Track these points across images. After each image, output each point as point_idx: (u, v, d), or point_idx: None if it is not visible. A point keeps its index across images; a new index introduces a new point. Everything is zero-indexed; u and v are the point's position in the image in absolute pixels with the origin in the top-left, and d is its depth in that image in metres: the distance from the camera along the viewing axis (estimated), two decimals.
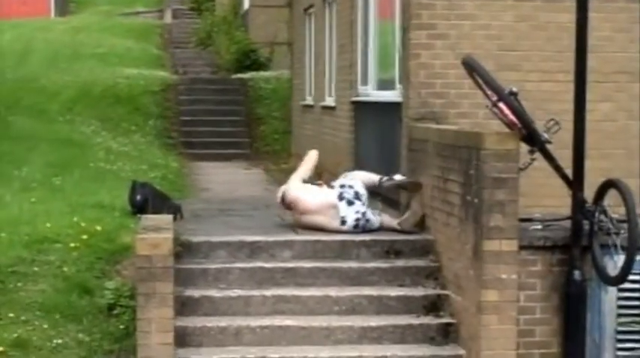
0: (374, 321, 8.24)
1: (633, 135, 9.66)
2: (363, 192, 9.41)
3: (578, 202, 8.15)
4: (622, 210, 7.73)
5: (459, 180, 8.25)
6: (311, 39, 16.50)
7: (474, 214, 7.88)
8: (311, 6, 16.29)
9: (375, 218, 9.39)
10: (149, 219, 8.90)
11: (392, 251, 8.96)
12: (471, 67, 8.27)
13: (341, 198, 9.37)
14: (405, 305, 8.42)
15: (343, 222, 9.27)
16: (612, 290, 8.21)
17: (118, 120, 19.76)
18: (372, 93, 11.68)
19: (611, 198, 7.95)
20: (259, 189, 14.85)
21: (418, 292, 8.55)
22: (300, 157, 17.35)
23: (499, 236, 7.69)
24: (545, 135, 8.07)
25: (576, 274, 8.12)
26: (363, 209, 9.31)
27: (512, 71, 9.46)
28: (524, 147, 8.03)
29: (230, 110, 21.50)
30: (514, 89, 8.07)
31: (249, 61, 25.03)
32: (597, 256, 8.01)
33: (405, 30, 9.84)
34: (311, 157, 10.08)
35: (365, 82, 11.99)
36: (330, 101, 14.36)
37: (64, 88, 21.14)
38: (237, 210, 11.12)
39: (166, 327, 7.68)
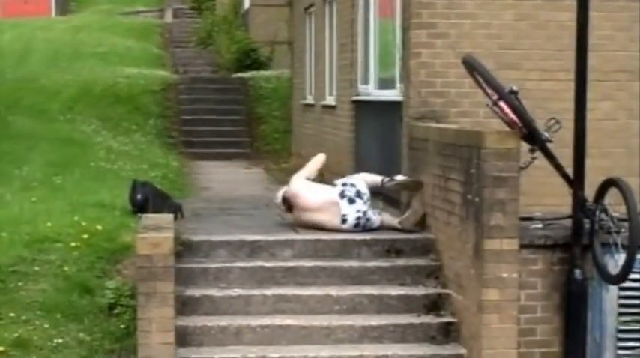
0: (375, 320, 8.23)
1: (633, 133, 9.66)
2: (365, 191, 9.40)
3: (578, 201, 8.15)
4: (623, 208, 7.73)
5: (460, 178, 8.25)
6: (311, 38, 16.49)
7: (474, 213, 7.88)
8: (311, 5, 16.28)
9: (376, 217, 9.39)
10: (150, 218, 8.90)
11: (393, 250, 8.96)
12: (471, 66, 8.26)
13: (342, 196, 9.36)
14: (406, 304, 8.42)
15: (344, 221, 9.27)
16: (613, 289, 8.21)
17: (118, 120, 19.76)
18: (372, 92, 11.68)
19: (612, 197, 7.95)
20: (260, 189, 14.84)
21: (419, 291, 8.55)
22: (300, 156, 17.39)
23: (500, 235, 7.69)
24: (546, 134, 8.07)
25: (577, 273, 8.13)
26: (364, 208, 9.31)
27: (513, 70, 9.46)
28: (524, 146, 8.03)
29: (230, 109, 21.50)
30: (514, 88, 8.06)
31: (249, 60, 25.03)
32: (598, 255, 8.01)
33: (405, 29, 9.84)
34: (318, 159, 10.07)
35: (365, 81, 11.99)
36: (330, 100, 14.36)
37: (65, 87, 21.15)
38: (237, 209, 11.12)
39: (167, 327, 7.68)
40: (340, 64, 13.37)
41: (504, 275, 7.69)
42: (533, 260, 8.26)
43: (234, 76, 23.87)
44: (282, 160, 18.73)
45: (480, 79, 8.20)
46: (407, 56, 9.75)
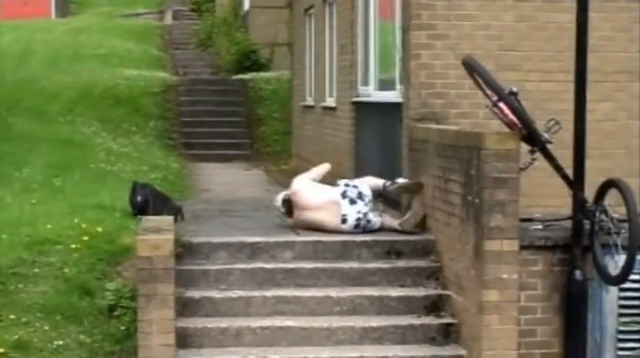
0: (375, 322, 8.23)
1: (633, 134, 9.66)
2: (367, 193, 9.40)
3: (578, 202, 8.15)
4: (623, 209, 7.73)
5: (460, 180, 8.25)
6: (311, 39, 16.50)
7: (474, 214, 7.88)
8: (311, 6, 16.29)
9: (377, 219, 9.38)
10: (150, 220, 8.90)
11: (393, 251, 8.96)
12: (471, 67, 8.27)
13: (344, 196, 9.37)
14: (406, 306, 8.42)
15: (344, 221, 9.27)
16: (613, 290, 8.21)
17: (118, 121, 19.77)
18: (372, 93, 11.68)
19: (612, 198, 7.95)
20: (260, 190, 14.85)
21: (419, 292, 8.55)
22: (300, 158, 17.40)
23: (500, 236, 7.69)
24: (546, 135, 8.07)
25: (577, 274, 8.13)
26: (365, 209, 9.31)
27: (513, 71, 9.46)
28: (524, 147, 8.03)
29: (230, 111, 21.51)
30: (514, 89, 8.07)
31: (249, 61, 25.02)
32: (598, 256, 8.01)
33: (405, 30, 9.84)
34: (323, 167, 10.08)
35: (365, 83, 11.99)
36: (330, 102, 14.36)
37: (65, 89, 21.15)
38: (237, 211, 11.12)
39: (167, 328, 7.68)
40: (340, 66, 13.37)
41: (504, 276, 7.69)
42: (534, 261, 8.26)
43: (234, 77, 23.87)
44: (282, 162, 18.74)
45: (480, 80, 8.21)
46: (407, 57, 9.75)
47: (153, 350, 7.64)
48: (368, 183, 9.56)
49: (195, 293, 8.37)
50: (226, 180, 16.38)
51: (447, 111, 9.59)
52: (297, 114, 18.45)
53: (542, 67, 9.65)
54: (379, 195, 9.68)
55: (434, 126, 9.36)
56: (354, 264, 8.76)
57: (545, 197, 9.02)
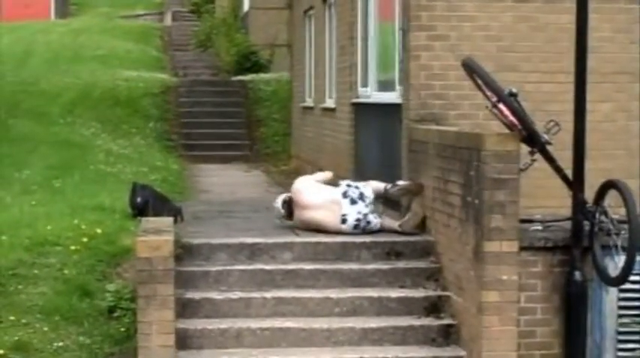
0: (375, 323, 8.23)
1: (633, 135, 9.66)
2: (368, 194, 9.41)
3: (578, 203, 8.15)
4: (622, 210, 7.73)
5: (460, 181, 8.24)
6: (311, 41, 16.50)
7: (474, 215, 7.88)
8: (311, 8, 16.29)
9: (377, 221, 9.38)
10: (149, 221, 8.90)
11: (392, 252, 8.96)
12: (470, 68, 8.27)
13: (345, 195, 9.38)
14: (406, 307, 8.42)
15: (344, 220, 9.27)
16: (613, 291, 8.21)
17: (118, 123, 19.77)
18: (372, 94, 11.68)
19: (612, 199, 7.94)
20: (259, 191, 14.85)
21: (419, 293, 8.55)
22: (300, 159, 17.40)
23: (500, 237, 7.68)
24: (546, 136, 8.07)
25: (577, 275, 8.12)
26: (365, 210, 9.31)
27: (512, 72, 9.46)
28: (524, 148, 8.03)
29: (230, 112, 21.51)
30: (514, 90, 8.06)
31: (249, 63, 25.04)
32: (598, 257, 8.00)
33: (404, 31, 9.84)
34: (326, 174, 10.09)
35: (365, 84, 11.99)
36: (330, 103, 14.36)
37: (65, 90, 21.16)
38: (237, 212, 11.12)
39: (167, 330, 7.68)
40: (340, 67, 13.37)
41: (504, 277, 7.68)
42: (533, 262, 8.26)
43: (234, 78, 23.88)
44: (281, 163, 18.75)
45: (480, 82, 8.20)
46: (406, 58, 9.75)
47: (153, 351, 7.64)
48: (370, 186, 9.57)
49: (195, 295, 8.36)
50: (226, 181, 16.38)
51: (447, 112, 9.59)
52: (296, 115, 18.45)
53: (542, 68, 9.65)
54: (381, 198, 9.67)
55: (433, 127, 9.36)
56: (354, 265, 8.76)
57: (545, 198, 9.01)
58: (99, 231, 9.92)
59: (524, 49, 9.66)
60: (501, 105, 7.99)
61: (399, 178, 9.89)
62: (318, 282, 8.59)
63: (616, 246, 7.84)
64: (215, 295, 8.38)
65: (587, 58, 8.22)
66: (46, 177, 13.41)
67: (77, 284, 9.11)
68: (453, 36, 9.58)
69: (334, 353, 7.96)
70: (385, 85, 11.25)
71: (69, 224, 10.16)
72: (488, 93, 8.13)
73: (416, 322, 8.28)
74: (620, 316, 8.25)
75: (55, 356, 8.26)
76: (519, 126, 7.94)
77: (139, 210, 10.44)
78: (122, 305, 8.80)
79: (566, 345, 8.21)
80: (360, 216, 9.29)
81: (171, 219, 9.03)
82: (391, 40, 10.89)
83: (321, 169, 10.95)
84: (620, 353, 8.27)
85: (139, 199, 10.63)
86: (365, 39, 11.97)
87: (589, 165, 8.31)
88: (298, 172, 16.01)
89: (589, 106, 8.30)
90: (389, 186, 9.51)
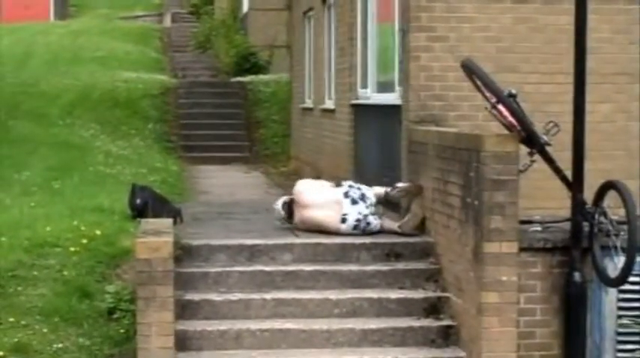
0: (374, 324, 8.23)
1: (633, 136, 9.66)
2: (370, 196, 9.41)
3: (577, 204, 8.15)
4: (622, 211, 7.73)
5: (459, 182, 8.24)
6: (310, 42, 16.50)
7: (474, 216, 7.88)
8: (310, 9, 16.29)
9: (377, 222, 9.38)
10: (149, 222, 8.90)
11: (392, 253, 8.96)
12: (470, 70, 8.27)
13: (346, 195, 9.40)
14: (406, 308, 8.41)
15: (344, 220, 9.27)
16: (612, 292, 8.21)
17: (117, 124, 19.77)
18: (371, 95, 11.68)
19: (611, 200, 7.94)
20: (259, 193, 14.85)
21: (418, 294, 8.54)
22: (299, 160, 17.40)
23: (499, 238, 7.68)
24: (545, 137, 8.07)
25: (576, 276, 8.13)
26: (365, 211, 9.31)
27: (512, 73, 9.46)
28: (523, 149, 8.03)
29: (229, 113, 21.50)
30: (513, 91, 8.06)
31: (248, 64, 25.03)
32: (597, 258, 8.01)
33: (404, 32, 9.84)
34: (328, 183, 10.13)
35: (364, 85, 11.99)
36: (329, 104, 14.36)
37: (64, 91, 21.15)
38: (236, 214, 11.12)
39: (167, 331, 7.67)
40: (339, 68, 13.37)
41: (504, 278, 7.68)
42: (533, 263, 8.26)
43: (233, 80, 23.88)
44: (281, 164, 18.75)
45: (479, 83, 8.21)
46: (406, 60, 9.75)
47: (152, 352, 7.64)
48: (373, 189, 9.58)
49: (194, 296, 8.36)
50: (225, 182, 16.38)
51: (446, 113, 9.59)
52: (296, 116, 18.45)
53: (542, 69, 9.65)
54: (382, 203, 9.65)
55: (433, 128, 9.36)
56: (354, 267, 8.76)
57: (545, 199, 9.01)
58: (98, 232, 9.92)
59: (524, 50, 9.66)
60: (500, 106, 8.00)
61: (399, 179, 9.89)
62: (317, 283, 8.59)
63: (615, 247, 7.85)
64: (214, 296, 8.38)
65: (587, 59, 8.23)
66: (45, 178, 13.41)
67: (77, 285, 9.10)
68: (452, 37, 9.58)
69: (334, 355, 7.96)
70: (385, 86, 11.25)
71: (68, 225, 10.16)
72: (488, 94, 8.13)
73: (415, 323, 8.28)
74: (620, 317, 8.25)
75: None
76: (518, 127, 7.94)
77: (139, 212, 10.44)
78: (122, 306, 8.79)
79: (565, 346, 8.21)
80: (360, 217, 9.29)
81: (170, 221, 9.02)
82: (391, 41, 10.89)
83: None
84: (620, 354, 8.27)
85: (138, 200, 10.62)
86: (364, 40, 11.97)
87: (588, 165, 8.31)
88: (298, 173, 16.05)
89: (588, 107, 8.30)
90: (389, 189, 9.51)
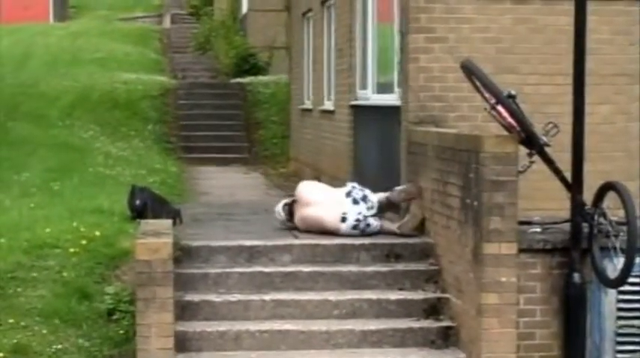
0: (374, 325, 8.23)
1: (633, 137, 9.66)
2: (372, 198, 9.41)
3: (577, 205, 8.15)
4: (621, 212, 7.73)
5: (459, 183, 8.24)
6: (309, 43, 16.50)
7: (473, 217, 7.88)
8: (309, 10, 16.29)
9: (376, 223, 9.37)
10: (148, 223, 8.90)
11: (392, 254, 8.96)
12: (469, 70, 8.27)
13: (348, 195, 9.41)
14: (405, 309, 8.41)
15: (344, 219, 9.26)
16: (612, 293, 8.21)
17: (116, 125, 19.76)
18: (371, 97, 11.68)
19: (611, 201, 7.94)
20: (258, 194, 14.85)
21: (418, 295, 8.54)
22: (298, 161, 17.40)
23: (499, 239, 7.68)
24: (544, 138, 8.07)
25: (576, 277, 8.13)
26: (366, 212, 9.30)
27: (511, 74, 9.46)
28: (522, 150, 8.03)
29: (229, 114, 21.51)
30: (512, 92, 8.06)
31: (247, 65, 25.04)
32: (597, 259, 8.01)
33: (403, 34, 9.84)
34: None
35: (364, 86, 11.99)
36: (328, 105, 14.36)
37: (63, 93, 21.15)
38: (236, 215, 11.12)
39: (166, 332, 7.67)
40: (338, 69, 13.37)
41: (503, 279, 7.68)
42: (532, 264, 8.26)
43: (233, 81, 23.88)
44: (280, 165, 18.75)
45: (478, 83, 8.21)
46: (405, 61, 9.75)
47: (152, 354, 7.64)
48: (377, 196, 9.57)
49: (194, 297, 8.36)
50: (225, 183, 16.37)
51: (446, 114, 9.59)
52: (295, 117, 18.45)
53: (541, 70, 9.65)
54: (384, 207, 9.63)
55: (432, 129, 9.36)
56: (353, 268, 8.76)
57: (544, 200, 9.01)
58: (98, 233, 9.91)
59: (523, 51, 9.66)
60: (500, 107, 8.00)
61: (398, 180, 9.89)
62: (316, 284, 8.59)
63: (615, 248, 7.85)
64: (214, 297, 8.38)
65: (586, 60, 8.23)
66: (44, 179, 13.40)
67: (76, 286, 9.10)
68: (451, 38, 9.58)
69: (333, 356, 7.96)
70: (384, 87, 11.25)
71: (68, 226, 10.16)
72: (487, 95, 8.13)
73: (415, 324, 8.27)
74: (619, 318, 8.25)
75: None
76: (518, 128, 7.94)
77: (138, 213, 10.44)
78: (121, 307, 8.79)
79: (565, 347, 8.21)
80: (360, 217, 9.28)
81: (170, 222, 9.02)
82: (390, 42, 10.89)
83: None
84: (620, 355, 8.28)
85: (137, 202, 10.62)
86: (364, 41, 11.97)
87: (588, 167, 8.31)
88: (297, 175, 16.06)
89: (588, 108, 8.30)
90: (389, 193, 9.51)
